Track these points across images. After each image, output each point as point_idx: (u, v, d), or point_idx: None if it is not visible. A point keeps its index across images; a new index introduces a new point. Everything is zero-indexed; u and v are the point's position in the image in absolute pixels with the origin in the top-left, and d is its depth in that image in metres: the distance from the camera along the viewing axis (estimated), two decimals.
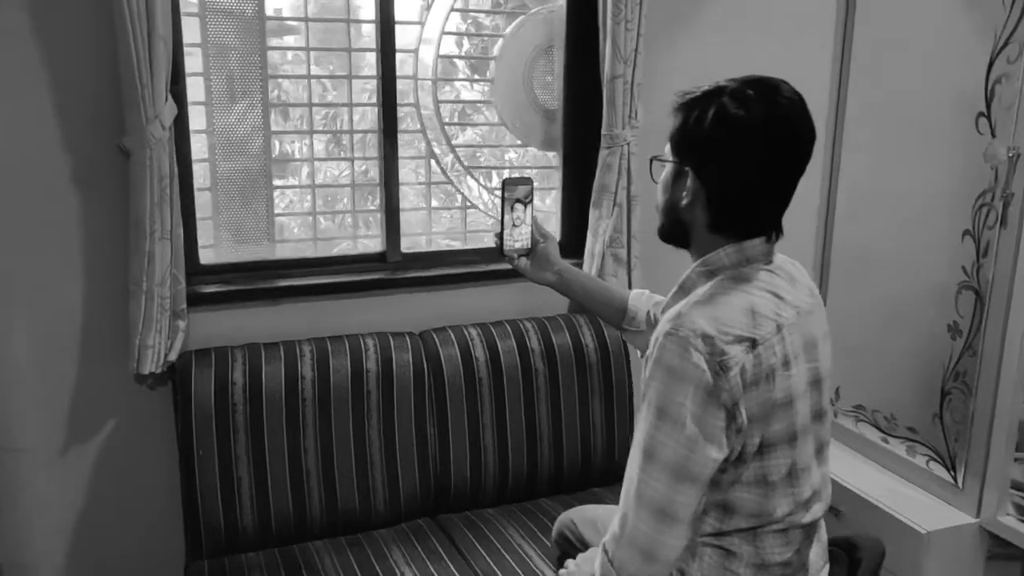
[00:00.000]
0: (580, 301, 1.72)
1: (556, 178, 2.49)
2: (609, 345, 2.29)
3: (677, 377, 1.13)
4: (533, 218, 1.66)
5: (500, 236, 1.63)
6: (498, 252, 1.64)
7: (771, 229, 1.25)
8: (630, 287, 2.33)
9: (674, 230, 1.29)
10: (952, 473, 2.22)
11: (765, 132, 1.16)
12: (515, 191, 1.61)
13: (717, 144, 1.18)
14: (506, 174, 2.43)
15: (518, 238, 1.64)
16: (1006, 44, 2.00)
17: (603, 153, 2.25)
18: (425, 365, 2.11)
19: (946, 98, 2.23)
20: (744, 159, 1.18)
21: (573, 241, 2.42)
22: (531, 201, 1.64)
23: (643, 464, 1.16)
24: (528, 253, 1.68)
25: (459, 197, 2.42)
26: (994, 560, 2.23)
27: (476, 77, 2.40)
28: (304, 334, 2.10)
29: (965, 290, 2.15)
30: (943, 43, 2.26)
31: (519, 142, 2.44)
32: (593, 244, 2.31)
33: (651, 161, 1.32)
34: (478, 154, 2.45)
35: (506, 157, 2.47)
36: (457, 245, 2.43)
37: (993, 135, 2.05)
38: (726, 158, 1.19)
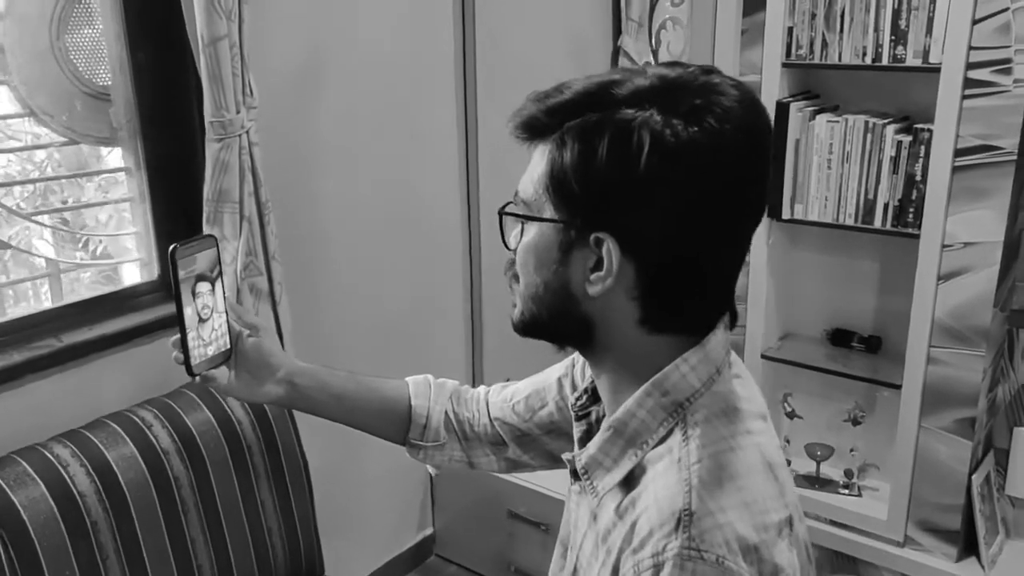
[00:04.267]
0: (331, 416, 1.05)
1: (128, 187, 1.72)
2: (267, 410, 1.66)
3: None
4: (227, 300, 0.97)
5: (183, 343, 0.90)
6: (185, 369, 0.92)
7: (728, 308, 0.76)
8: (279, 326, 1.71)
9: (563, 327, 0.75)
10: None
11: (726, 157, 0.67)
12: (194, 262, 0.89)
13: (661, 190, 0.67)
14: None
15: (211, 339, 0.93)
16: None
17: (213, 148, 1.56)
18: None
19: (597, 55, 1.98)
20: (707, 208, 0.68)
21: None
22: (220, 274, 0.95)
23: None
24: (227, 359, 0.97)
25: None
26: None
27: None
28: None
29: None
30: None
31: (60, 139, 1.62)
32: None
33: (501, 215, 0.76)
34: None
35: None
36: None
37: None
38: (678, 211, 0.68)
